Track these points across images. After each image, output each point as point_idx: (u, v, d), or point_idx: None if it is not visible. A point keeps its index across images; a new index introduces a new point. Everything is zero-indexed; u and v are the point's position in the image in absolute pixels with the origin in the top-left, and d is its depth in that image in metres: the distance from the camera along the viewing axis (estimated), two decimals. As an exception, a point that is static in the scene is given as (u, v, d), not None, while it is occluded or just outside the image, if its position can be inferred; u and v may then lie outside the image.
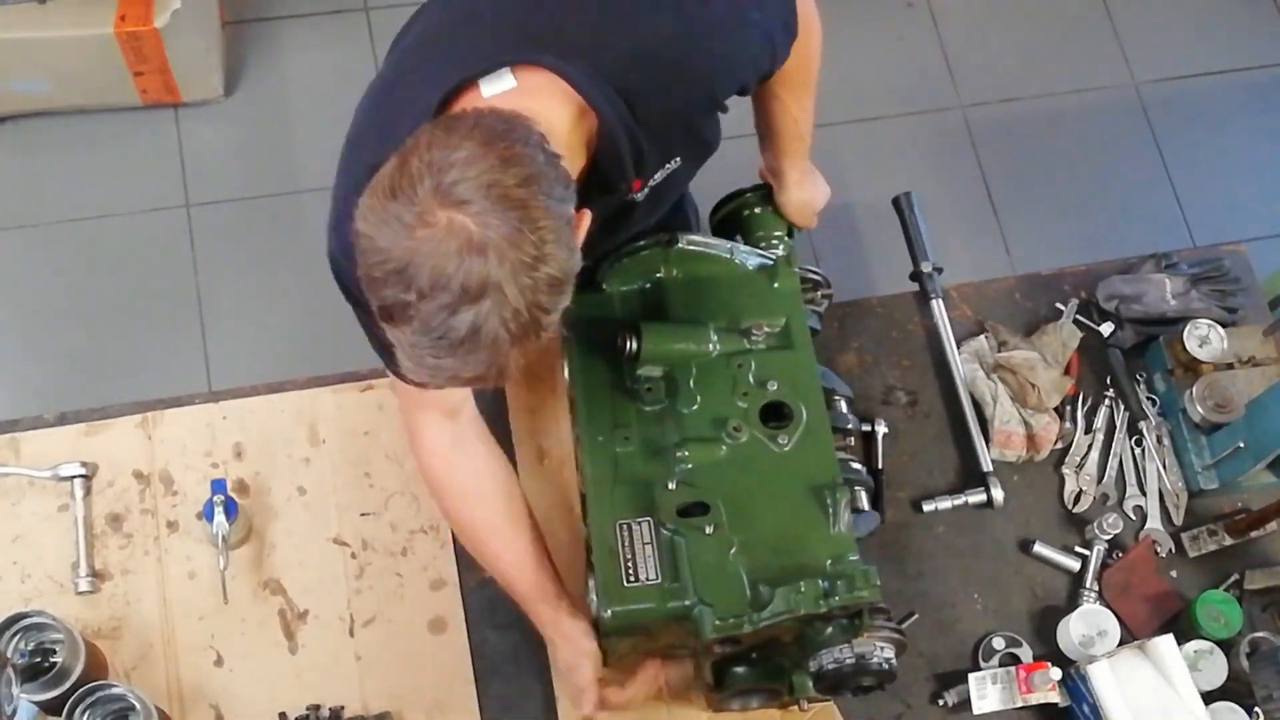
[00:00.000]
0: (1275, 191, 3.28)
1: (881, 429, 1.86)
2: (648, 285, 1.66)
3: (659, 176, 1.49)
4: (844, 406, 1.72)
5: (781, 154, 1.75)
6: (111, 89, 2.96)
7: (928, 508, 1.83)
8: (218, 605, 1.69)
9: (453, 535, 1.75)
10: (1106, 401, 1.93)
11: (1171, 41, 3.42)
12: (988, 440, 1.87)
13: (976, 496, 1.83)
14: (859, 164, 3.19)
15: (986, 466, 1.85)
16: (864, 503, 1.69)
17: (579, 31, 1.32)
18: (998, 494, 1.83)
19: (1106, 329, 1.98)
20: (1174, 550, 1.87)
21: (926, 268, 1.96)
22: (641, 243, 1.64)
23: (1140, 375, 1.96)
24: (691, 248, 1.65)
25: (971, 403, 1.89)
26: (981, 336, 1.94)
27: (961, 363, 1.91)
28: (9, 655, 1.53)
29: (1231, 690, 1.75)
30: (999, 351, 1.92)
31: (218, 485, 1.67)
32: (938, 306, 1.95)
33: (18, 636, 1.56)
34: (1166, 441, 1.91)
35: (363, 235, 1.14)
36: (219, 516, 1.65)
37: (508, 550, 1.59)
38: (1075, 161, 3.28)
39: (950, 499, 1.83)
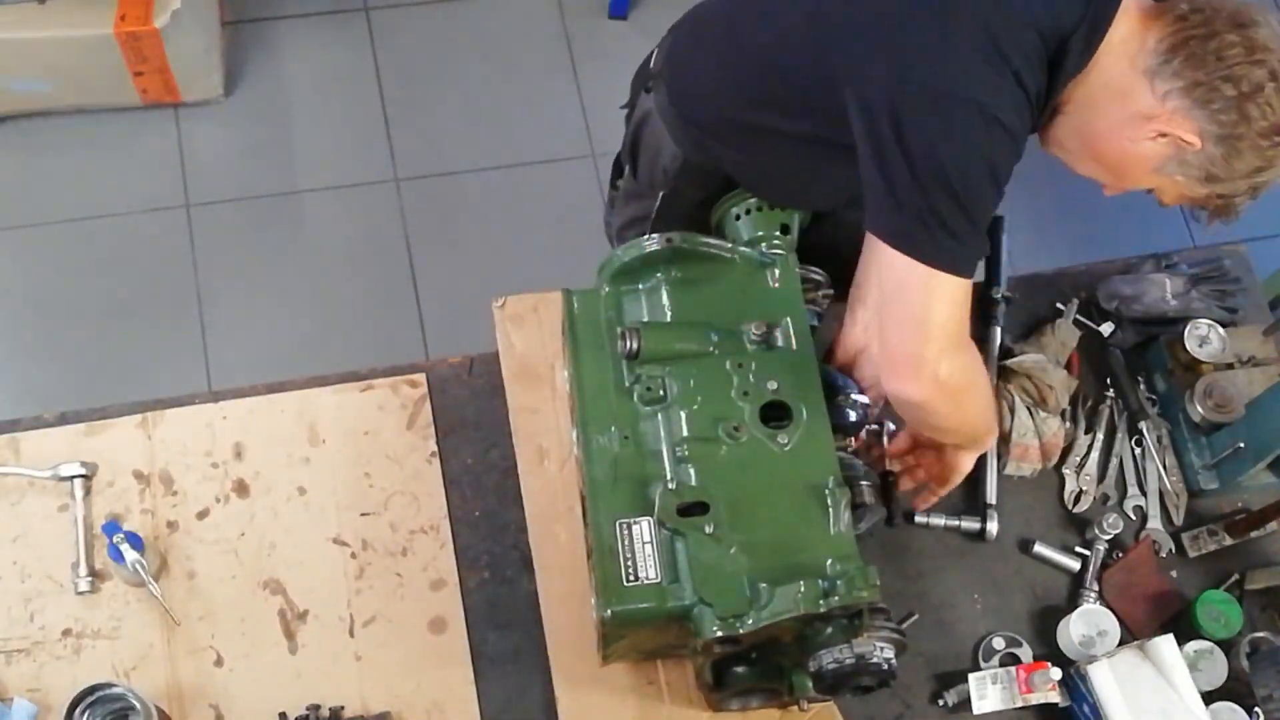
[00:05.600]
0: (1275, 191, 3.27)
1: (889, 429, 1.85)
2: (648, 285, 1.67)
3: None
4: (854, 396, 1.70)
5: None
6: (111, 89, 2.96)
7: (919, 520, 1.83)
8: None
9: (453, 534, 1.76)
10: (1107, 401, 1.93)
11: (1171, 41, 3.41)
12: (1000, 459, 1.86)
13: (971, 523, 1.83)
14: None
15: (990, 499, 1.84)
16: (867, 497, 1.68)
17: None
18: (992, 526, 1.82)
19: (1106, 329, 1.98)
20: (1174, 550, 1.87)
21: (996, 293, 1.94)
22: (645, 239, 1.65)
23: (1140, 375, 1.96)
24: (691, 247, 1.65)
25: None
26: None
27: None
28: None
29: (1231, 690, 1.75)
30: (1007, 359, 1.90)
31: (109, 528, 1.64)
32: (995, 333, 1.92)
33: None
34: (1166, 441, 1.91)
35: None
36: (129, 554, 1.62)
37: None
38: (1075, 161, 3.27)
39: (944, 518, 1.83)
